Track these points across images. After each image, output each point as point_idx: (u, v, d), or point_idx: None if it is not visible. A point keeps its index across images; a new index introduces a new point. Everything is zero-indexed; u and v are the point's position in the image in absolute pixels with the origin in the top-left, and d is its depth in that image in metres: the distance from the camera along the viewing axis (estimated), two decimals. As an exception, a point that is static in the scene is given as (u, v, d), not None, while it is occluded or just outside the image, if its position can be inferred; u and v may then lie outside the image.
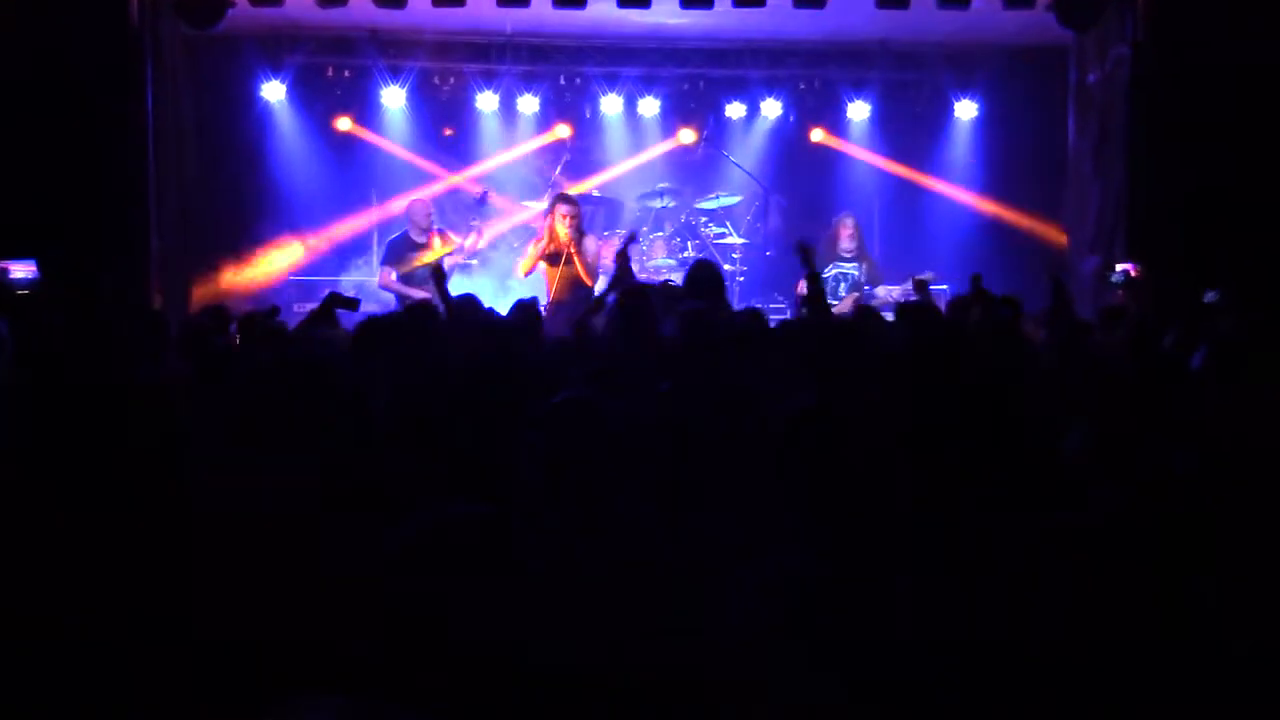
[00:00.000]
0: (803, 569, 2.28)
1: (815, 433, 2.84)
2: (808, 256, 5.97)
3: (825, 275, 10.10)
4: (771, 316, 8.08)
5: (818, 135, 12.67)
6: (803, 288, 6.23)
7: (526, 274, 9.69)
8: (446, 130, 12.51)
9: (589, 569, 2.73)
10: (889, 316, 6.67)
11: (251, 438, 3.24)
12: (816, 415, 2.88)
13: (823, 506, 2.80)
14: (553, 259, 9.32)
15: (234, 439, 3.29)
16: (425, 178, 12.24)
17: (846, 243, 10.55)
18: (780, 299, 11.43)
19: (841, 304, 10.09)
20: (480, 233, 10.57)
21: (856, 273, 10.50)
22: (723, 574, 2.46)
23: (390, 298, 10.18)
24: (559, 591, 2.43)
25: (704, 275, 6.35)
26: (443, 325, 5.93)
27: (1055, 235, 11.59)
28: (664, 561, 2.79)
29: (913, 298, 7.82)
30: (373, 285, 11.32)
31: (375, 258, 11.99)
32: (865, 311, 6.61)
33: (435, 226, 10.41)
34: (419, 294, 9.28)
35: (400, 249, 10.29)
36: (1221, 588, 2.66)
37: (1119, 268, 9.49)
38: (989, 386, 3.38)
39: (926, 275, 9.94)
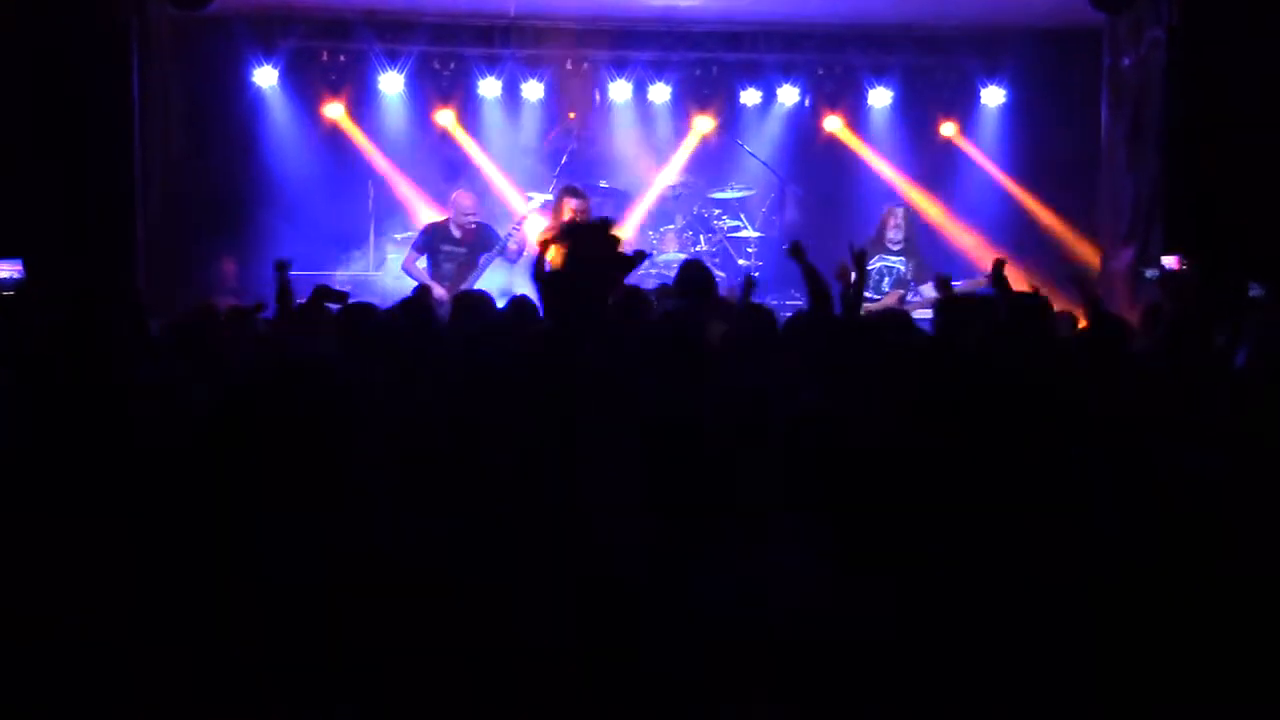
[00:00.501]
0: (803, 568, 2.39)
1: (818, 433, 2.93)
2: (799, 254, 6.04)
3: (870, 268, 10.05)
4: (788, 314, 8.16)
5: (833, 124, 12.69)
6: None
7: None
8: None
9: (585, 570, 2.83)
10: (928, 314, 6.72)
11: (248, 441, 3.34)
12: (820, 415, 2.97)
13: (825, 506, 2.89)
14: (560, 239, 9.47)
15: (230, 442, 3.39)
16: (422, 164, 12.37)
17: (893, 233, 10.43)
18: (796, 295, 11.47)
19: (885, 300, 10.09)
20: (523, 239, 10.49)
21: (902, 267, 10.43)
22: (722, 575, 2.56)
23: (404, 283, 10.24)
24: (556, 594, 2.54)
25: (692, 275, 6.54)
26: (441, 325, 6.06)
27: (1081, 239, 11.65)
28: (661, 563, 2.88)
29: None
30: (367, 279, 11.40)
31: (371, 250, 12.10)
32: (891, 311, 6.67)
33: (474, 223, 10.41)
34: (440, 290, 9.43)
35: (435, 238, 10.31)
36: (1232, 591, 2.75)
37: (1165, 261, 9.44)
38: (999, 387, 3.47)
39: (978, 280, 10.01)
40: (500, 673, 2.54)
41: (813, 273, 5.72)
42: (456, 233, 10.31)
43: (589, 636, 2.66)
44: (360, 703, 2.68)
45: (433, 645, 2.62)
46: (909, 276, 10.41)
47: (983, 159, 12.62)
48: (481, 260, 10.18)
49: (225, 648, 2.66)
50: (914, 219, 10.78)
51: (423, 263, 10.28)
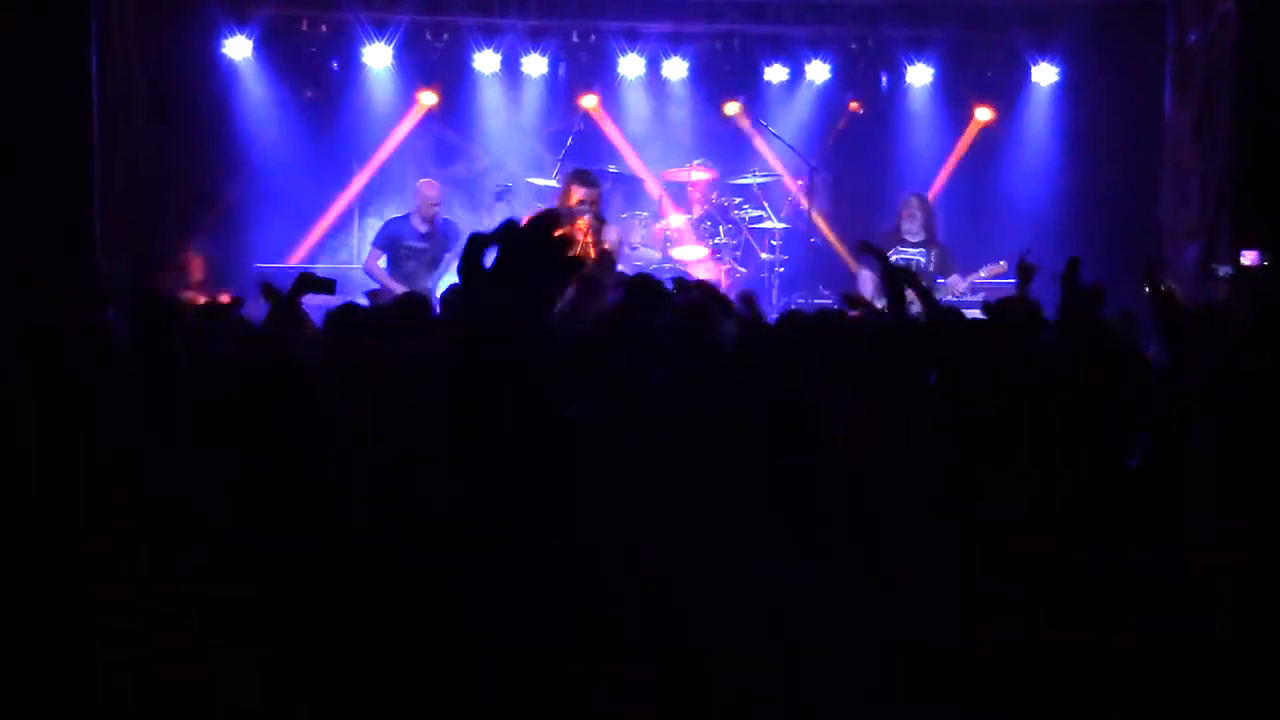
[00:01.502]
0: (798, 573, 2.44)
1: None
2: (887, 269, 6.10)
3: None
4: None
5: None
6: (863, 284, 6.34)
7: None
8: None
9: (585, 578, 2.85)
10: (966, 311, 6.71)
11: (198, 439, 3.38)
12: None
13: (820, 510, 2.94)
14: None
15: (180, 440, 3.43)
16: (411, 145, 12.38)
17: (909, 225, 10.53)
18: (826, 292, 11.45)
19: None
20: None
21: (922, 259, 10.47)
22: (719, 579, 2.61)
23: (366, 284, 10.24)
24: (555, 598, 2.59)
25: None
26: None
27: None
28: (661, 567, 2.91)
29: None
30: (358, 273, 11.40)
31: (356, 237, 12.10)
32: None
33: (440, 218, 10.41)
34: (401, 289, 9.36)
35: (397, 234, 10.28)
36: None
37: (1244, 257, 9.36)
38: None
39: (998, 265, 10.02)
40: (500, 673, 2.59)
41: (893, 274, 5.82)
42: (421, 227, 10.29)
43: (589, 637, 2.72)
44: (359, 703, 2.72)
45: (430, 645, 2.68)
46: (931, 269, 10.43)
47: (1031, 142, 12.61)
48: (445, 259, 10.15)
49: (221, 648, 2.75)
50: (931, 208, 10.81)
51: (384, 262, 10.25)
